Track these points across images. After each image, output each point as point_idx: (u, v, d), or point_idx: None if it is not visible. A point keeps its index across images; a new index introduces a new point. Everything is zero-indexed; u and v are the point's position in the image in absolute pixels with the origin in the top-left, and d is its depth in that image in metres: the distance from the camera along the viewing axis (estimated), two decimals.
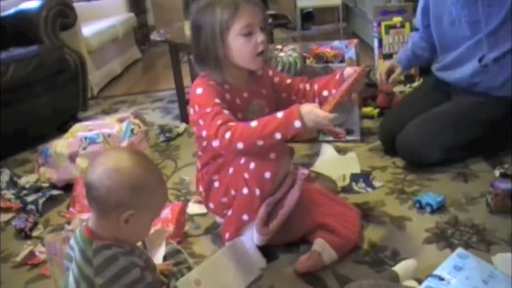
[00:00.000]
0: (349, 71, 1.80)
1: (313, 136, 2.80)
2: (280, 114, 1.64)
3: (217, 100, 1.71)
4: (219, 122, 1.65)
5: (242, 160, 1.73)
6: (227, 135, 1.63)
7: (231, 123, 1.65)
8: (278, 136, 1.63)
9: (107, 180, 1.25)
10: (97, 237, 1.30)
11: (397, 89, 3.20)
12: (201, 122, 1.72)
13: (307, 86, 1.94)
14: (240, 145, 1.63)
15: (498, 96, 2.34)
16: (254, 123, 1.64)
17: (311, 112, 1.62)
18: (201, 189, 1.92)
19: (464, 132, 2.31)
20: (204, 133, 1.73)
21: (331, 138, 2.78)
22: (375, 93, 3.19)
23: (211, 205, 1.92)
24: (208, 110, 1.69)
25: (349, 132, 2.75)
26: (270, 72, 1.95)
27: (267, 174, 1.70)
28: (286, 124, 1.62)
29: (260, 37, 1.74)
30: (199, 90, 1.75)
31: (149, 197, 1.29)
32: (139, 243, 1.59)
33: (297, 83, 1.95)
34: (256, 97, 1.86)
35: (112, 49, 5.08)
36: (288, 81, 1.96)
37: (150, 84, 4.82)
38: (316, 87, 1.91)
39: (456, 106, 2.42)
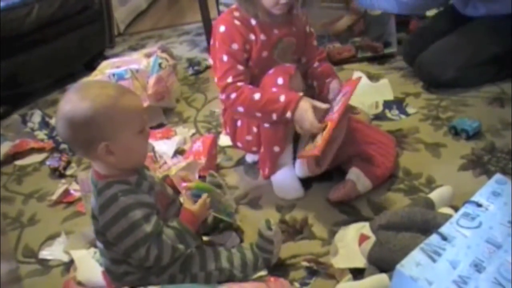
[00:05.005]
0: (335, 85, 1.79)
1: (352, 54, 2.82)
2: (282, 98, 1.63)
3: (234, 46, 1.71)
4: (229, 80, 1.69)
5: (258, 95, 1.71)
6: (233, 95, 1.68)
7: (239, 83, 1.68)
8: (274, 117, 1.66)
9: (61, 126, 1.23)
10: (100, 176, 1.29)
11: (430, 13, 3.08)
12: (217, 64, 1.74)
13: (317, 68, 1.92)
14: (240, 109, 1.69)
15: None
16: (257, 96, 1.65)
17: (305, 113, 1.61)
18: (228, 130, 1.93)
19: (478, 51, 2.30)
20: (215, 79, 1.76)
21: (369, 54, 2.81)
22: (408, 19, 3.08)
23: (239, 144, 1.92)
24: (225, 59, 1.71)
25: (386, 44, 2.78)
26: (305, 18, 1.88)
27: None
28: (283, 111, 1.63)
29: None
30: (222, 28, 1.74)
31: (112, 122, 1.21)
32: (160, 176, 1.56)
33: (314, 56, 1.94)
34: (286, 35, 1.81)
35: None
36: (314, 43, 1.93)
37: (176, 17, 4.75)
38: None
39: (472, 27, 2.37)
